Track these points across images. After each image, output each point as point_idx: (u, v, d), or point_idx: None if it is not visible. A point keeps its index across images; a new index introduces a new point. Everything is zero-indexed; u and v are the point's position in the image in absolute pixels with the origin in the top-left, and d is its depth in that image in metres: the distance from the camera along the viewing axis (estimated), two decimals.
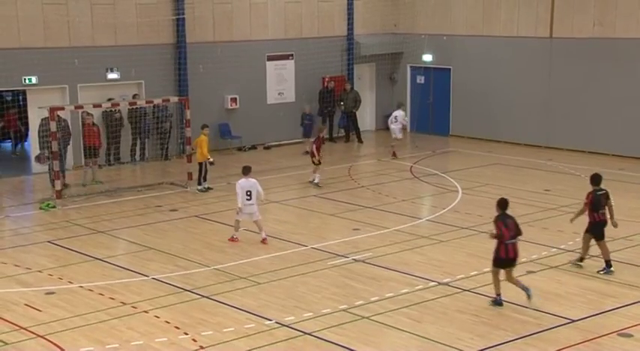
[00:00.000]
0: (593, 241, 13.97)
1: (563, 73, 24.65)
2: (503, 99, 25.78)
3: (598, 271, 13.82)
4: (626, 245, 15.23)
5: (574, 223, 14.25)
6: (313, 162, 20.54)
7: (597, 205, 13.80)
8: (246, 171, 15.99)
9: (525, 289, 12.26)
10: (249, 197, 15.72)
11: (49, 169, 19.79)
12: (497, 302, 12.44)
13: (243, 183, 15.79)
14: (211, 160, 19.87)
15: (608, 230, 14.06)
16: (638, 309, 12.25)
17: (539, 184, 20.46)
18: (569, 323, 11.69)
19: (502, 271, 12.38)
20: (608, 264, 13.86)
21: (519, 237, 12.42)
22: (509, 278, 12.40)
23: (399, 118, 24.27)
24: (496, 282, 12.45)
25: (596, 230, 13.83)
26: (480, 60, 26.56)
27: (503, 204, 12.48)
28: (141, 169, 23.05)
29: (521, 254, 14.47)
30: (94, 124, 21.30)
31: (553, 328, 11.52)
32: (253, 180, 15.90)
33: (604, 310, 12.19)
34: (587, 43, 24.02)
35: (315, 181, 20.31)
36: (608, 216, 13.97)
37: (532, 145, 25.32)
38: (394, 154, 24.01)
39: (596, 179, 14.03)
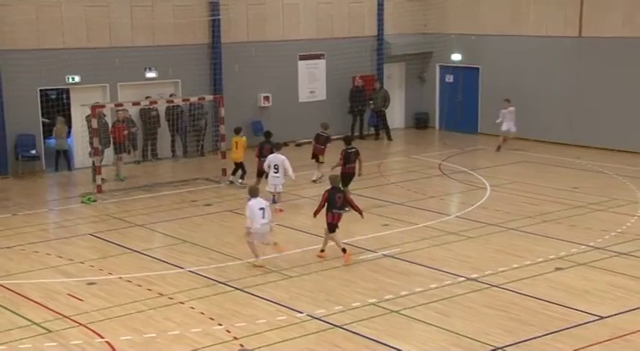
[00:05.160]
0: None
1: (592, 73, 24.57)
2: (531, 98, 25.68)
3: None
4: None
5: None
6: (319, 160, 20.51)
7: (348, 159, 17.52)
8: (278, 147, 18.29)
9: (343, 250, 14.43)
10: (276, 170, 17.78)
11: (92, 164, 20.09)
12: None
13: (271, 158, 17.89)
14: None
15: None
16: None
17: (566, 181, 20.40)
18: (597, 320, 11.57)
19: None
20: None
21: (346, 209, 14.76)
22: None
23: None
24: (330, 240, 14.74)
25: (345, 180, 17.01)
26: (508, 59, 26.53)
27: (333, 180, 14.83)
28: (177, 165, 23.34)
29: (549, 251, 14.65)
30: (123, 121, 21.55)
31: (581, 324, 11.42)
32: (282, 156, 17.84)
33: (632, 308, 12.07)
34: (616, 43, 23.94)
35: (313, 178, 20.44)
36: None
37: (560, 143, 25.21)
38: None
39: (347, 139, 18.05)
